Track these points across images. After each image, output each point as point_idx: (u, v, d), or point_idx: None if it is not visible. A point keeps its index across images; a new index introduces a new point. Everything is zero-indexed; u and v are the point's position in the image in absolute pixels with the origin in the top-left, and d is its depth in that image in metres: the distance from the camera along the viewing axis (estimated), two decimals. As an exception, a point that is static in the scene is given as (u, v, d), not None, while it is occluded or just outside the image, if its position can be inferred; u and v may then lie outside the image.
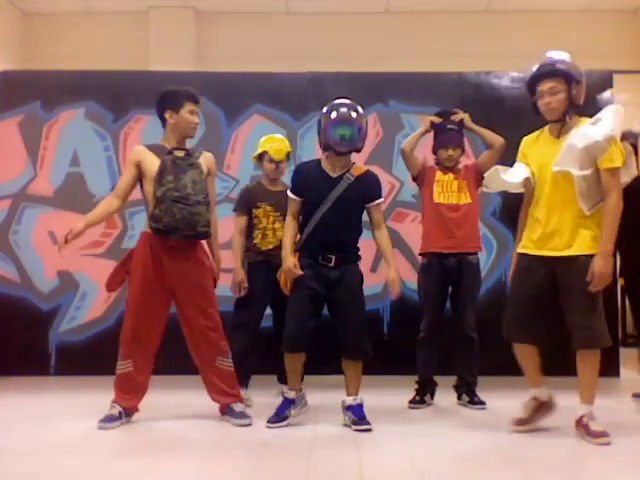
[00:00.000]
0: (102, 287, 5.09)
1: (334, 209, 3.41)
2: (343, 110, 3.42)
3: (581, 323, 3.08)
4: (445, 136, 4.04)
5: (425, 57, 6.96)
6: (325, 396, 3.91)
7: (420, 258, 4.13)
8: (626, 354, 5.09)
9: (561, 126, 3.22)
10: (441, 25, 7.56)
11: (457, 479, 2.64)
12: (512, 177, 3.35)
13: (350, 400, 3.41)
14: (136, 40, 7.56)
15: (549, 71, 3.19)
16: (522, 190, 3.40)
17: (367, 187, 3.51)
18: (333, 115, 3.42)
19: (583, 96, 3.23)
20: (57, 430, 3.31)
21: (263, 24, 7.57)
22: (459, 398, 3.97)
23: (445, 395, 4.01)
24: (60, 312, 5.10)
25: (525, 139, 3.44)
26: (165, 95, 3.52)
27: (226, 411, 3.47)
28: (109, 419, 3.35)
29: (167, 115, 3.49)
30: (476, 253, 3.99)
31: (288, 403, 3.45)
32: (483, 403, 3.83)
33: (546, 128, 3.33)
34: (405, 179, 5.13)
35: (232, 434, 3.26)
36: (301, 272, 3.37)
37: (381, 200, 3.61)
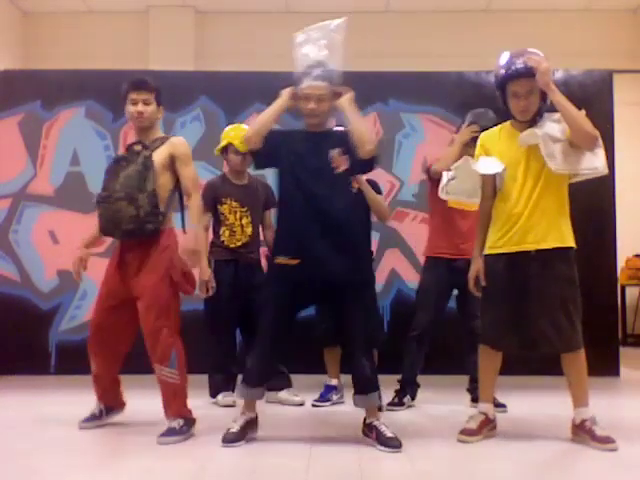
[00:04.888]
0: (102, 286, 5.16)
1: None
2: None
3: (565, 326, 2.99)
4: None
5: (425, 57, 6.94)
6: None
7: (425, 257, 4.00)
8: (626, 354, 5.09)
9: (529, 126, 3.06)
10: (441, 25, 7.55)
11: (457, 479, 2.65)
12: (487, 169, 3.11)
13: None
14: (136, 39, 7.55)
15: (524, 72, 2.97)
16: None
17: None
18: None
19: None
20: (57, 430, 3.30)
21: (263, 23, 7.56)
22: (474, 400, 3.70)
23: (446, 395, 4.02)
24: (60, 311, 5.10)
25: (485, 134, 3.26)
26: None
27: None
28: (88, 419, 3.32)
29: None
30: None
31: (331, 388, 3.98)
32: (504, 406, 3.67)
33: (507, 123, 3.18)
34: (405, 179, 5.15)
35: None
36: None
37: None
